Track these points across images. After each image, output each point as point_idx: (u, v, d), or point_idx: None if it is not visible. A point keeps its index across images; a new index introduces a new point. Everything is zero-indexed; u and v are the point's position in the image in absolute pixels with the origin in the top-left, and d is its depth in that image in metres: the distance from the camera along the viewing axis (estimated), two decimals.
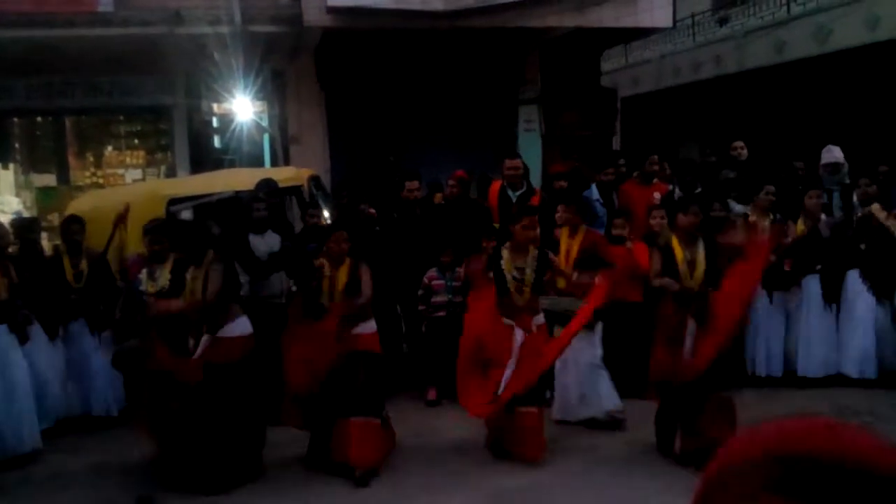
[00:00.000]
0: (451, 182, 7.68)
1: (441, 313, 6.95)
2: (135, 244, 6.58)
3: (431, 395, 6.90)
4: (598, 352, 6.11)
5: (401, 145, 10.87)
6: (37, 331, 6.30)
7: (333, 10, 9.75)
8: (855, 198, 7.29)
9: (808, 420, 0.87)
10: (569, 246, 6.36)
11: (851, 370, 6.86)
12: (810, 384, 6.90)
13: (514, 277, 5.45)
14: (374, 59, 10.80)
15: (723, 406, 5.12)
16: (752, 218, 7.19)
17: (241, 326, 5.25)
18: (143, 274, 5.92)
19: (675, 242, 5.52)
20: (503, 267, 5.48)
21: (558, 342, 5.49)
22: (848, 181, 7.73)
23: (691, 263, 5.40)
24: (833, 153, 7.80)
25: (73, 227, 6.72)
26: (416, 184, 7.59)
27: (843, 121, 12.68)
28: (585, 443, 5.80)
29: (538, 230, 5.64)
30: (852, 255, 6.92)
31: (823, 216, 7.05)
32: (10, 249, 6.31)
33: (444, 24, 9.75)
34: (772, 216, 7.16)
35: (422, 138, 11.04)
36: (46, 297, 6.43)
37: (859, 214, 7.01)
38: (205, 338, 5.14)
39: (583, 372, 6.09)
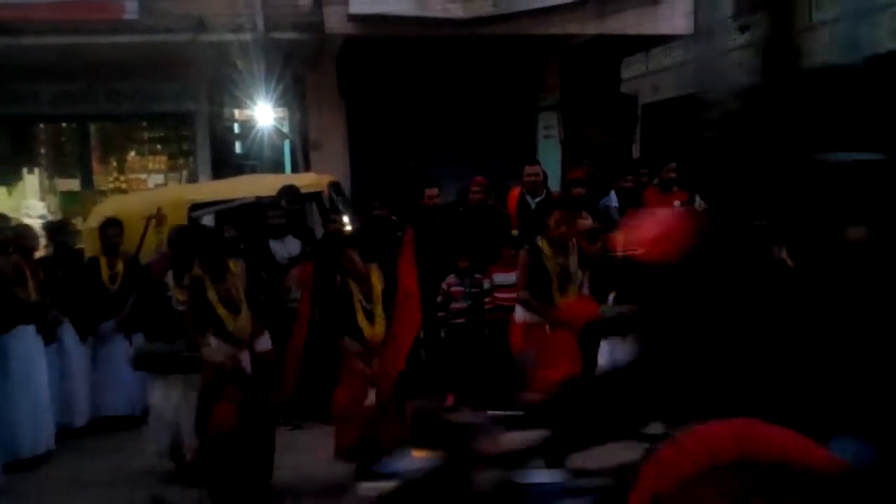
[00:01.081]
0: (474, 188, 7.67)
1: (460, 320, 6.95)
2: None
3: (450, 401, 6.90)
4: None
5: (420, 152, 10.91)
6: (67, 331, 6.40)
7: (355, 18, 9.82)
8: None
9: (740, 424, 0.91)
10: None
11: None
12: None
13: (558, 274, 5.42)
14: (394, 66, 10.85)
15: None
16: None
17: (266, 341, 5.27)
18: (170, 278, 5.89)
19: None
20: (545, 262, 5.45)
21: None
22: None
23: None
24: None
25: (110, 229, 6.87)
26: (435, 191, 7.62)
27: (865, 129, 12.57)
28: None
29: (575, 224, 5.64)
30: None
31: None
32: (41, 252, 6.43)
33: (464, 32, 9.79)
34: None
35: (441, 145, 11.06)
36: (80, 299, 6.53)
37: None
38: (244, 354, 5.09)
39: None
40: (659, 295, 2.18)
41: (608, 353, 5.87)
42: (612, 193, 7.98)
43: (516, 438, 1.95)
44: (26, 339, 5.97)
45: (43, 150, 12.35)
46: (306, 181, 7.99)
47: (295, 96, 11.29)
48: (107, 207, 8.23)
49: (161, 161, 12.38)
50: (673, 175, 7.89)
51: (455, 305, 7.01)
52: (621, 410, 1.95)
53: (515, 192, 7.49)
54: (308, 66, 11.28)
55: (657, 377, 2.01)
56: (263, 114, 10.72)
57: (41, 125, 12.18)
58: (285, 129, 11.21)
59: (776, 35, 2.69)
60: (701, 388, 1.88)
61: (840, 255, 2.07)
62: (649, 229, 2.25)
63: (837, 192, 2.25)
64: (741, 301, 2.04)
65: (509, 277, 6.37)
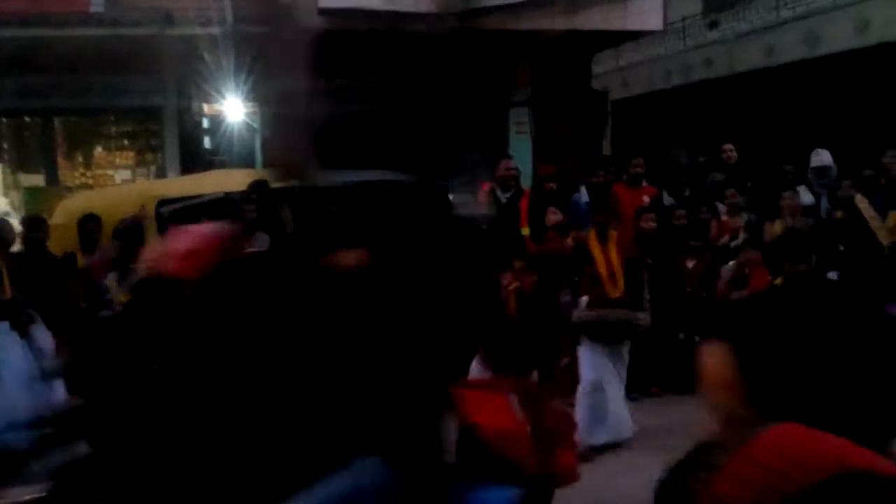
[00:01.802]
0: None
1: None
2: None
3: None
4: (625, 373, 5.77)
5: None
6: (39, 329, 6.30)
7: (325, 12, 9.75)
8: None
9: (826, 437, 0.96)
10: (606, 253, 5.84)
11: None
12: None
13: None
14: (366, 60, 10.81)
15: None
16: (724, 218, 7.25)
17: None
18: (112, 279, 5.66)
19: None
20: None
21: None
22: (836, 185, 7.78)
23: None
24: (822, 157, 7.85)
25: (89, 224, 6.78)
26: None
27: (832, 124, 12.75)
28: None
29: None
30: (830, 256, 6.94)
31: (803, 219, 7.07)
32: (14, 248, 6.32)
33: (434, 27, 9.76)
34: (746, 216, 7.21)
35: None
36: (54, 295, 6.42)
37: (837, 215, 7.04)
38: None
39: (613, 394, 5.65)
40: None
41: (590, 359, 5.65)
42: (583, 189, 8.03)
43: None
44: (1, 336, 5.88)
45: (6, 145, 12.15)
46: None
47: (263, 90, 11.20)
48: (72, 204, 8.10)
49: (128, 156, 12.23)
50: (640, 170, 7.95)
51: None
52: None
53: (484, 187, 7.51)
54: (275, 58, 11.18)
55: None
56: (233, 108, 10.62)
57: (4, 119, 11.98)
58: (255, 124, 11.12)
59: None
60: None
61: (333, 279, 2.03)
62: (181, 244, 2.17)
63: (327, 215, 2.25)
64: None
65: None
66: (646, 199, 7.71)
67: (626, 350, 5.74)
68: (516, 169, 7.39)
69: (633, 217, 6.98)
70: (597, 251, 5.83)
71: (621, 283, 5.65)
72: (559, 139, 11.09)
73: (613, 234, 5.93)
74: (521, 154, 10.62)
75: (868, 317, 1.18)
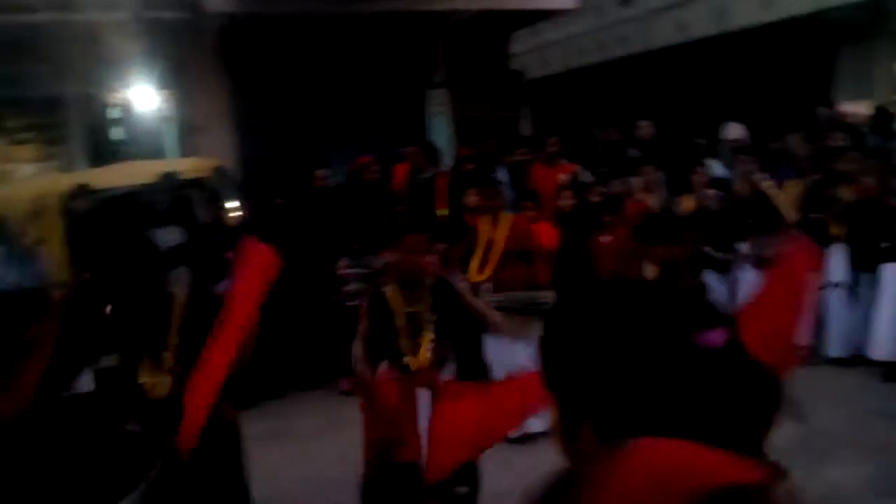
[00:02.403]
0: (373, 168, 7.59)
1: (354, 302, 6.88)
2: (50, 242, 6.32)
3: (345, 385, 6.84)
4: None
5: (312, 132, 10.70)
6: None
7: None
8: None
9: (687, 450, 0.93)
10: (491, 237, 5.78)
11: None
12: None
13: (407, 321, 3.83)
14: (283, 45, 10.57)
15: None
16: (638, 195, 7.36)
17: None
18: None
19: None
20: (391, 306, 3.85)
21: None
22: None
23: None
24: (732, 130, 8.05)
25: None
26: (324, 172, 7.53)
27: (743, 98, 13.10)
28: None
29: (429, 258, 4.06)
30: (741, 228, 7.15)
31: (711, 191, 7.25)
32: None
33: (349, 9, 9.61)
34: (660, 193, 7.35)
35: (333, 125, 10.88)
36: None
37: (741, 191, 7.23)
38: None
39: None
40: None
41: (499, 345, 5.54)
42: (502, 169, 8.05)
43: None
44: None
45: None
46: (189, 167, 7.71)
47: (176, 78, 10.85)
48: None
49: (31, 150, 11.68)
50: (556, 149, 8.01)
51: (348, 288, 6.93)
52: None
53: (402, 168, 7.46)
54: (190, 45, 10.84)
55: None
56: (143, 97, 10.26)
57: None
58: (166, 113, 10.78)
59: None
60: None
61: None
62: None
63: None
64: None
65: None
66: (563, 177, 7.77)
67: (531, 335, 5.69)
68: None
69: (551, 196, 7.02)
70: (482, 233, 5.79)
71: (491, 266, 5.61)
72: (478, 119, 11.09)
73: (507, 216, 5.87)
74: (440, 135, 10.59)
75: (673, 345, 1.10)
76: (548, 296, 5.56)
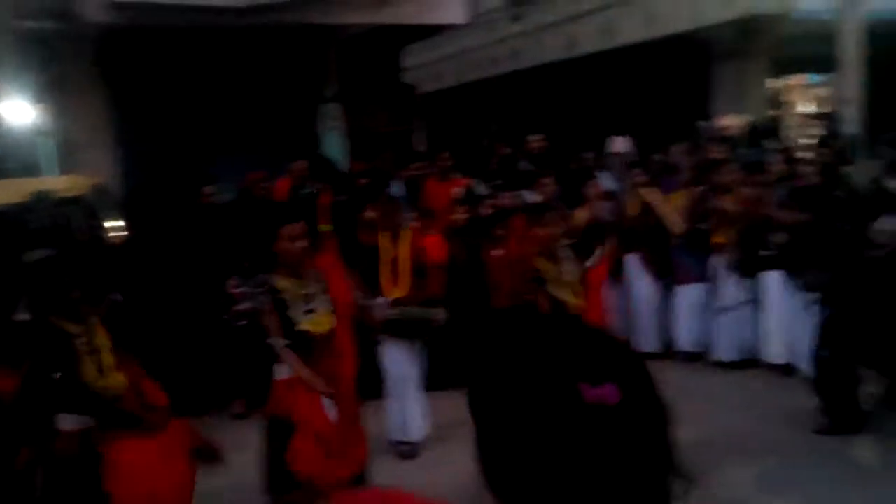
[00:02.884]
0: (261, 185, 7.47)
1: (244, 322, 6.68)
2: None
3: (238, 408, 6.64)
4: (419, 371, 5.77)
5: (199, 147, 10.39)
6: None
7: (117, 6, 9.13)
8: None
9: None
10: (394, 253, 5.75)
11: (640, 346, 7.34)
12: None
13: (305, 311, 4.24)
14: (167, 57, 10.23)
15: None
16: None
17: None
18: None
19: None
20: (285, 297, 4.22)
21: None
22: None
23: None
24: (617, 143, 8.28)
25: None
26: (212, 188, 7.33)
27: (628, 111, 13.55)
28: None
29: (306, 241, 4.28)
30: (632, 239, 7.38)
31: (604, 203, 7.45)
32: None
33: (237, 21, 9.40)
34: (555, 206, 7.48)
35: (222, 140, 10.61)
36: None
37: (629, 204, 7.47)
38: None
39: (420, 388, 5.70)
40: None
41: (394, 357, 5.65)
42: (398, 184, 8.03)
43: None
44: None
45: None
46: (65, 184, 7.33)
47: (53, 91, 10.35)
48: None
49: None
50: (448, 163, 8.05)
51: (239, 307, 6.72)
52: None
53: (284, 183, 7.37)
54: (67, 57, 10.37)
55: None
56: (17, 111, 9.72)
57: None
58: (43, 128, 10.25)
59: None
60: None
61: None
62: None
63: None
64: None
65: None
66: (456, 190, 7.81)
67: (422, 347, 5.78)
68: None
69: (445, 210, 7.03)
70: (385, 250, 5.79)
71: (405, 283, 5.64)
72: (372, 133, 11.06)
73: (407, 232, 5.89)
74: (334, 149, 10.49)
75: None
76: (439, 312, 5.60)
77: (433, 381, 6.32)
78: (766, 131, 9.49)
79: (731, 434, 5.47)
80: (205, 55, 10.30)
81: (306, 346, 4.22)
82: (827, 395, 5.39)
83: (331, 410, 4.23)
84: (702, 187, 7.12)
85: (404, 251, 5.75)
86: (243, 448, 5.84)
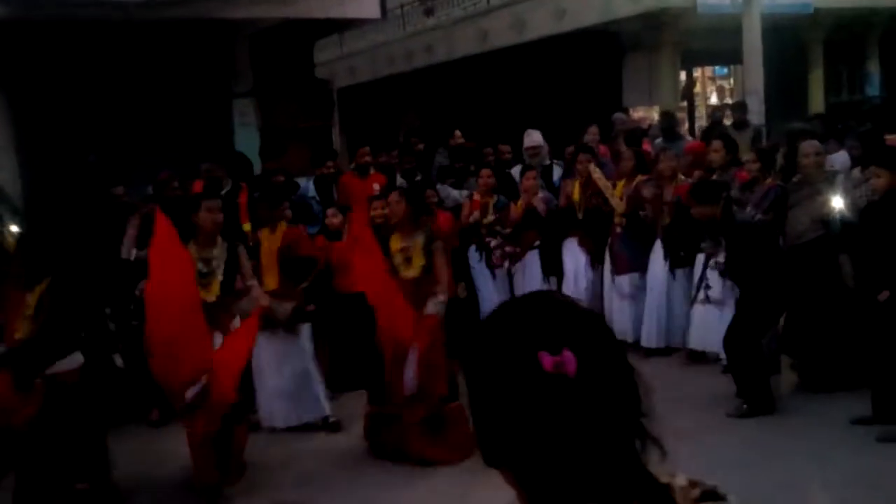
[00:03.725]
0: (174, 184, 7.22)
1: None
2: None
3: (154, 415, 6.41)
4: (309, 355, 6.01)
5: (105, 146, 9.96)
6: None
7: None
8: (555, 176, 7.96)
9: None
10: (270, 244, 6.03)
11: None
12: None
13: (199, 271, 5.07)
14: (66, 54, 9.76)
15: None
16: (476, 199, 7.52)
17: None
18: None
19: (394, 235, 5.58)
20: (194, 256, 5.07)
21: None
22: (548, 162, 8.30)
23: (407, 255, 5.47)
24: (532, 136, 8.30)
25: None
26: (121, 189, 7.05)
27: (542, 105, 13.72)
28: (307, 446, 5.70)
29: (221, 216, 5.29)
30: (569, 226, 7.41)
31: (540, 194, 7.48)
32: None
33: (136, 15, 9.03)
34: (495, 197, 7.52)
35: (130, 138, 10.20)
36: None
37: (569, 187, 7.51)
38: None
39: (293, 377, 5.94)
40: None
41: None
42: (309, 183, 7.89)
43: None
44: None
45: None
46: None
47: None
48: None
49: None
50: (367, 159, 7.95)
51: None
52: None
53: (198, 185, 7.17)
54: None
55: None
56: None
57: None
58: None
59: None
60: None
61: None
62: None
63: None
64: None
65: None
66: (376, 186, 7.73)
67: (303, 338, 6.03)
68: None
69: (364, 206, 6.91)
70: (264, 245, 6.00)
71: (271, 277, 5.90)
72: (287, 129, 10.83)
73: (282, 225, 6.07)
74: (248, 146, 10.23)
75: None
76: (286, 307, 5.79)
77: (338, 382, 6.45)
78: (677, 121, 9.72)
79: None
80: (107, 51, 9.87)
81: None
82: (741, 378, 5.55)
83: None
84: (643, 177, 7.09)
85: (273, 245, 5.96)
86: (164, 461, 5.65)
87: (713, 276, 6.34)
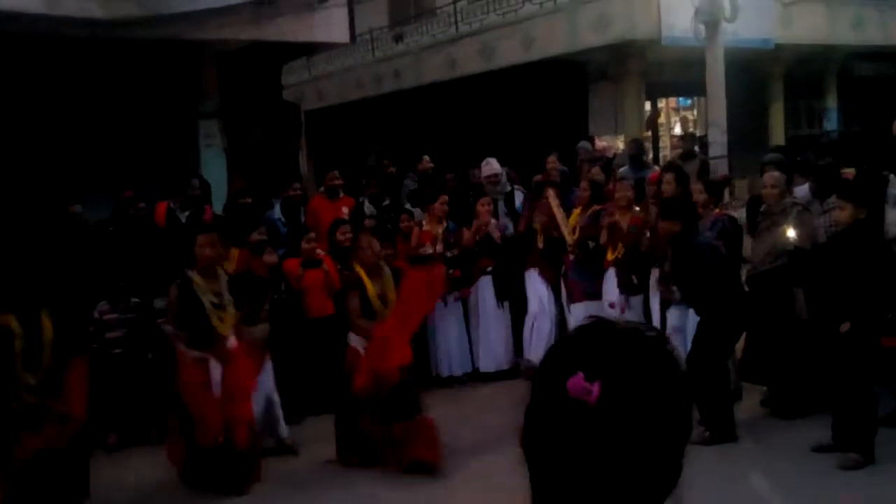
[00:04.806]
0: (138, 203, 7.13)
1: (117, 350, 6.31)
2: None
3: (112, 439, 6.25)
4: (272, 379, 5.90)
5: (68, 165, 9.81)
6: None
7: None
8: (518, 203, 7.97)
9: None
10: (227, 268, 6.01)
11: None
12: (492, 378, 7.34)
13: (212, 303, 5.15)
14: (28, 69, 9.63)
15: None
16: (426, 226, 7.44)
17: None
18: None
19: (363, 275, 5.58)
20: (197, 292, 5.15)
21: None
22: (509, 189, 8.23)
23: (382, 297, 5.51)
24: (492, 165, 8.15)
25: None
26: (78, 207, 6.95)
27: (509, 131, 13.82)
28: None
29: (214, 250, 5.30)
30: (527, 253, 7.42)
31: (494, 221, 7.48)
32: None
33: (102, 33, 8.95)
34: (446, 223, 7.48)
35: (94, 157, 10.06)
36: None
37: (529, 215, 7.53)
38: None
39: (258, 402, 5.76)
40: None
41: None
42: (276, 205, 7.81)
43: None
44: None
45: None
46: None
47: None
48: None
49: None
50: (337, 182, 7.91)
51: (111, 334, 6.34)
52: None
53: (163, 206, 7.08)
54: None
55: None
56: None
57: None
58: None
59: None
60: None
61: None
62: None
63: None
64: None
65: None
66: (345, 210, 7.69)
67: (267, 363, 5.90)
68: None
69: (329, 230, 6.85)
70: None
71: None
72: (253, 151, 10.78)
73: (234, 251, 6.13)
74: (214, 168, 10.16)
75: None
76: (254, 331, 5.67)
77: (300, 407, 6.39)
78: (644, 150, 9.83)
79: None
80: (72, 69, 9.76)
81: (208, 338, 5.07)
82: (704, 405, 5.56)
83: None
84: (597, 206, 7.13)
85: (230, 268, 5.95)
86: (121, 488, 5.51)
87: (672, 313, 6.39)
